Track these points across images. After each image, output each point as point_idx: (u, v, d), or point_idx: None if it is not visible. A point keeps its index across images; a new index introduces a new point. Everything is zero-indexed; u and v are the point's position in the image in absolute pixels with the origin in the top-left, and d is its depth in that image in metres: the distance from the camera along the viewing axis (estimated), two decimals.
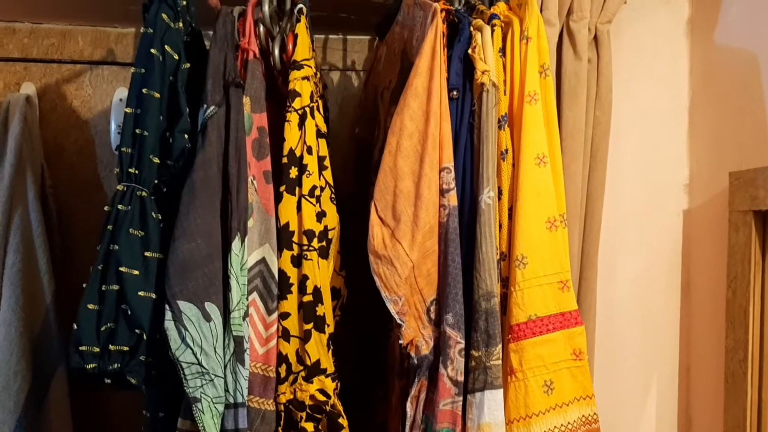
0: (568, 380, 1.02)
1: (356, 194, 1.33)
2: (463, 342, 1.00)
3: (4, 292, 1.27)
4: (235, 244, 0.97)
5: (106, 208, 0.98)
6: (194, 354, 0.92)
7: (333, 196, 1.10)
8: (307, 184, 1.06)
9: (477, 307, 1.00)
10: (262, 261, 1.02)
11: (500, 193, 1.06)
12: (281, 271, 1.02)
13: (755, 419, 1.20)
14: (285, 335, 1.02)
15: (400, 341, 1.02)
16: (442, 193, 1.03)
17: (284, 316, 1.02)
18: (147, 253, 0.95)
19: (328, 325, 1.04)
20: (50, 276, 1.31)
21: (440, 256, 1.02)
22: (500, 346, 1.00)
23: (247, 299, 0.99)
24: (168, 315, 0.92)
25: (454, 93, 1.08)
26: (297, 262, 1.03)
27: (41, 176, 1.36)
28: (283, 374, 1.02)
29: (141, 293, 0.94)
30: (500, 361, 1.00)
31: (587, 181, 1.24)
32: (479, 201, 1.03)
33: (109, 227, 0.95)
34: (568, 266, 1.04)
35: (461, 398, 1.00)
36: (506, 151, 1.07)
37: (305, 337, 1.02)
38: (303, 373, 1.02)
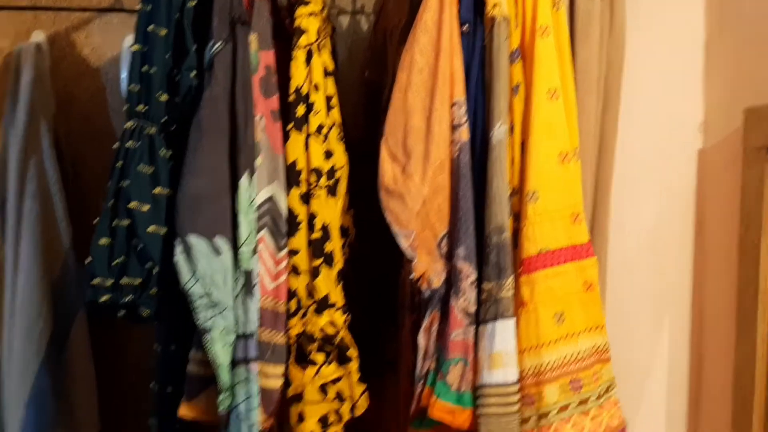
0: (579, 311, 1.02)
1: (367, 138, 1.32)
2: (475, 274, 1.00)
3: (23, 239, 1.29)
4: (243, 181, 0.97)
5: (115, 146, 0.99)
6: (204, 287, 0.93)
7: (341, 134, 1.10)
8: (314, 122, 1.05)
9: (488, 241, 1.00)
10: (271, 199, 1.02)
11: (512, 128, 1.04)
12: (290, 209, 1.03)
13: (765, 354, 1.20)
14: (294, 271, 1.03)
15: (412, 276, 1.02)
16: (454, 128, 1.02)
17: (293, 252, 1.03)
18: (156, 190, 0.96)
19: (337, 262, 1.05)
20: (67, 222, 1.33)
21: (451, 191, 1.01)
22: (511, 278, 1.00)
23: (257, 236, 1.00)
24: (178, 249, 0.93)
25: (465, 27, 1.06)
26: (305, 199, 1.03)
27: (54, 124, 1.37)
28: (293, 308, 1.03)
29: (151, 228, 0.95)
30: (511, 293, 1.00)
31: (600, 117, 1.22)
32: (491, 136, 1.02)
33: (119, 164, 0.96)
34: (581, 199, 1.03)
35: (473, 329, 1.01)
36: (518, 85, 1.05)
37: (314, 273, 1.03)
38: (313, 307, 1.03)
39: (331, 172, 1.05)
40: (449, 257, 1.02)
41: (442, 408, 1.00)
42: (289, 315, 1.03)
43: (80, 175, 1.40)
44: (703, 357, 1.36)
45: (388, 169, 1.01)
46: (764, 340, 1.19)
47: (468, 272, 1.00)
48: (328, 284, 1.03)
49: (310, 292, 1.03)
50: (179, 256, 0.92)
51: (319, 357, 1.03)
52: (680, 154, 1.35)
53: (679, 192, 1.35)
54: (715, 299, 1.34)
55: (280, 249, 1.02)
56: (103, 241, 0.94)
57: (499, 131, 1.01)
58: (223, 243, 0.95)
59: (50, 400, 1.26)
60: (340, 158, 1.07)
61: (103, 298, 0.94)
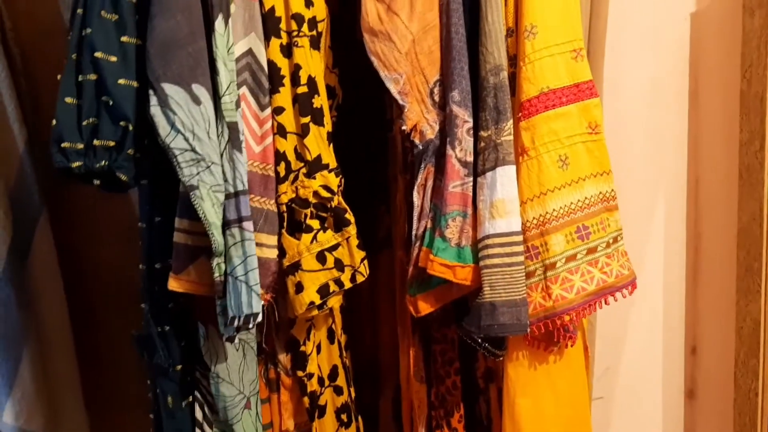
0: (584, 155, 0.97)
1: None
2: (471, 121, 0.94)
3: None
4: (219, 23, 0.88)
5: None
6: (186, 140, 0.85)
7: None
8: None
9: (484, 84, 0.94)
10: (249, 52, 0.93)
11: None
12: (271, 62, 0.94)
13: None
14: (281, 131, 0.95)
15: (403, 128, 0.95)
16: None
17: (278, 110, 0.95)
18: (123, 38, 0.87)
19: (327, 122, 0.97)
20: (21, 123, 1.22)
21: (442, 30, 0.95)
22: (511, 121, 0.94)
23: (237, 92, 0.92)
24: (153, 100, 0.84)
25: None
26: (287, 51, 0.95)
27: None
28: (282, 173, 0.96)
29: (121, 81, 0.86)
30: (511, 137, 0.94)
31: None
32: None
33: (79, 11, 0.86)
34: (581, 33, 0.97)
35: (471, 181, 0.95)
36: None
37: (303, 132, 0.96)
38: (304, 170, 0.96)
39: (312, 23, 0.96)
40: (443, 107, 0.96)
41: (441, 264, 0.94)
42: (279, 180, 0.96)
43: (31, 76, 1.28)
44: (701, 235, 1.34)
45: (371, 9, 0.93)
46: None
47: (464, 118, 0.94)
48: (319, 143, 0.96)
49: (300, 154, 0.96)
50: (155, 108, 0.84)
51: (314, 223, 0.96)
52: (673, 19, 1.30)
53: (672, 58, 1.30)
54: (713, 171, 1.30)
55: (263, 108, 0.94)
56: (69, 99, 0.85)
57: None
58: (202, 92, 0.86)
59: (15, 310, 1.17)
60: (321, 10, 0.99)
61: (75, 165, 0.85)
